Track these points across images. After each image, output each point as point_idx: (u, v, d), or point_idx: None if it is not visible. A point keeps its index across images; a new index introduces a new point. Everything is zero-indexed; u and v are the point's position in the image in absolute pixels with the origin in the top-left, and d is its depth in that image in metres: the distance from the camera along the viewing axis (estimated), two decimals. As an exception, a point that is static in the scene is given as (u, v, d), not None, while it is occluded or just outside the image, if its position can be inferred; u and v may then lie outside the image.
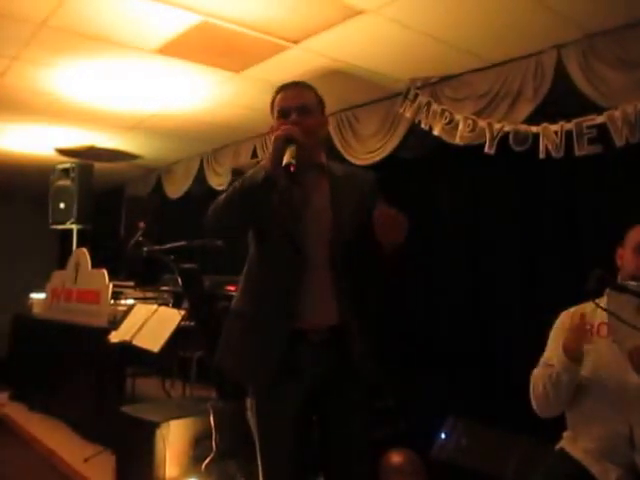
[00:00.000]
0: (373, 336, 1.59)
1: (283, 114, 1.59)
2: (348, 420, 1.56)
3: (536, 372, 1.74)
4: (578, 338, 1.58)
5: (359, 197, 1.59)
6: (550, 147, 2.61)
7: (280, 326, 1.50)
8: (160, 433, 2.51)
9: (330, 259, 1.53)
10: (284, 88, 1.64)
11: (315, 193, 1.58)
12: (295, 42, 2.80)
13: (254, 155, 4.51)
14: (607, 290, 1.57)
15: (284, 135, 1.45)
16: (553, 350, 1.73)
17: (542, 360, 1.76)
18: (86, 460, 3.09)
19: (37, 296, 4.91)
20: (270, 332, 1.50)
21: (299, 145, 1.43)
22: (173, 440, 2.54)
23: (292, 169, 1.38)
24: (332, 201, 1.57)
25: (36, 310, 4.84)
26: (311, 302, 1.51)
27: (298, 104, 1.57)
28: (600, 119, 2.46)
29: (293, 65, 3.04)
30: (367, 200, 1.58)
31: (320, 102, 1.64)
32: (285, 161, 1.39)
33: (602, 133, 2.45)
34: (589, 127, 2.49)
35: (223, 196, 1.51)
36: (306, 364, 1.51)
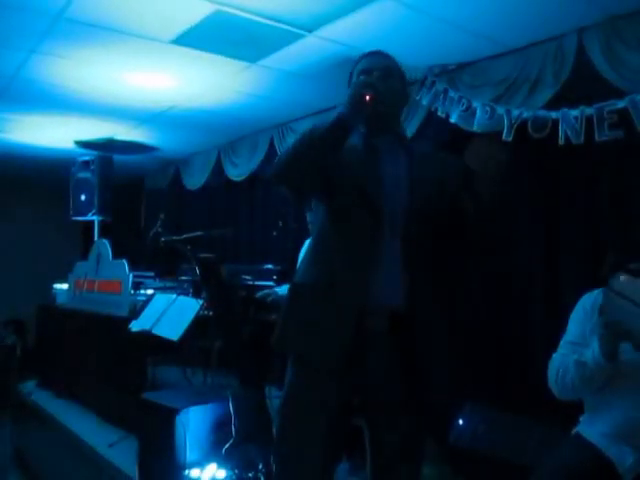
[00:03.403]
0: (446, 338, 1.45)
1: (365, 72, 1.51)
2: (399, 429, 1.42)
3: (558, 357, 1.72)
4: (616, 339, 1.53)
5: (440, 178, 1.47)
6: (569, 133, 2.57)
7: (351, 301, 1.38)
8: (180, 419, 2.56)
9: (404, 230, 1.41)
10: (369, 54, 1.58)
11: (390, 161, 1.49)
12: (310, 30, 2.79)
13: (272, 146, 4.53)
14: (622, 275, 1.55)
15: (363, 81, 1.40)
16: (575, 334, 1.72)
17: (562, 343, 1.75)
18: (110, 445, 3.16)
19: (60, 287, 5.02)
20: (343, 307, 1.38)
21: (377, 95, 1.36)
22: (193, 425, 2.59)
23: (368, 98, 1.33)
24: (410, 172, 1.47)
25: (60, 300, 4.94)
26: (380, 275, 1.38)
27: (382, 65, 1.52)
28: (622, 104, 2.41)
29: (309, 54, 3.03)
30: (449, 185, 1.47)
31: (403, 77, 1.59)
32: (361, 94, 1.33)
33: (623, 118, 2.40)
34: (610, 112, 2.44)
35: (292, 142, 1.42)
36: (359, 355, 1.38)
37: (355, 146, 1.47)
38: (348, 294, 1.38)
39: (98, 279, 4.30)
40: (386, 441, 1.44)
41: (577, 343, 1.68)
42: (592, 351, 1.57)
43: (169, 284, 4.34)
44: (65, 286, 4.88)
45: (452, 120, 3.01)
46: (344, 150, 1.45)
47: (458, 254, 1.56)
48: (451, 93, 3.02)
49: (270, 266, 3.78)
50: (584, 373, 1.60)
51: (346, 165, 1.44)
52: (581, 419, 1.75)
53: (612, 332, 1.51)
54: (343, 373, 1.39)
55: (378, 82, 1.43)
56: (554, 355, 1.73)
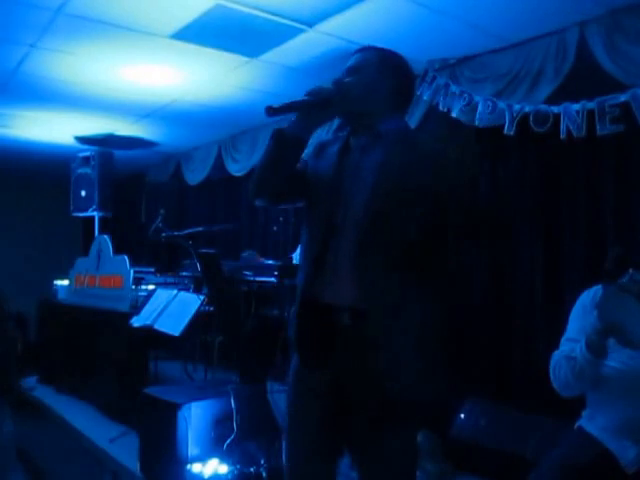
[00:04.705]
0: (408, 337, 1.36)
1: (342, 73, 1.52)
2: (377, 441, 1.37)
3: (557, 353, 1.72)
4: (602, 337, 1.54)
5: (421, 171, 1.37)
6: (571, 127, 2.56)
7: (306, 298, 1.42)
8: (182, 414, 2.56)
9: (358, 227, 1.37)
10: (353, 53, 1.56)
11: (365, 158, 1.44)
12: (310, 25, 2.78)
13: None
14: (630, 270, 1.55)
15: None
16: (574, 330, 1.72)
17: (563, 340, 1.75)
18: (111, 441, 3.18)
19: (61, 282, 5.02)
20: (301, 305, 1.43)
21: (331, 102, 1.39)
22: (195, 421, 2.59)
23: (270, 111, 1.43)
24: (380, 166, 1.39)
25: (61, 296, 4.95)
26: (331, 275, 1.39)
27: (347, 66, 1.50)
28: (623, 97, 2.40)
29: (309, 48, 3.02)
30: (433, 178, 1.37)
31: (381, 62, 1.48)
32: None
33: (625, 112, 2.40)
34: (612, 106, 2.44)
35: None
36: (327, 351, 1.39)
37: (334, 149, 1.50)
38: (302, 292, 1.44)
39: (99, 275, 4.30)
40: (371, 445, 1.40)
41: (577, 340, 1.67)
42: (580, 346, 1.58)
43: (170, 279, 4.35)
44: (66, 282, 4.89)
45: (453, 115, 3.00)
46: (324, 154, 1.52)
47: (438, 251, 1.48)
48: (452, 88, 3.01)
49: (270, 261, 3.78)
50: (574, 367, 1.61)
51: (320, 168, 1.49)
52: (583, 414, 1.76)
53: (600, 328, 1.51)
54: (322, 367, 1.41)
55: (335, 83, 1.44)
56: (554, 352, 1.73)
